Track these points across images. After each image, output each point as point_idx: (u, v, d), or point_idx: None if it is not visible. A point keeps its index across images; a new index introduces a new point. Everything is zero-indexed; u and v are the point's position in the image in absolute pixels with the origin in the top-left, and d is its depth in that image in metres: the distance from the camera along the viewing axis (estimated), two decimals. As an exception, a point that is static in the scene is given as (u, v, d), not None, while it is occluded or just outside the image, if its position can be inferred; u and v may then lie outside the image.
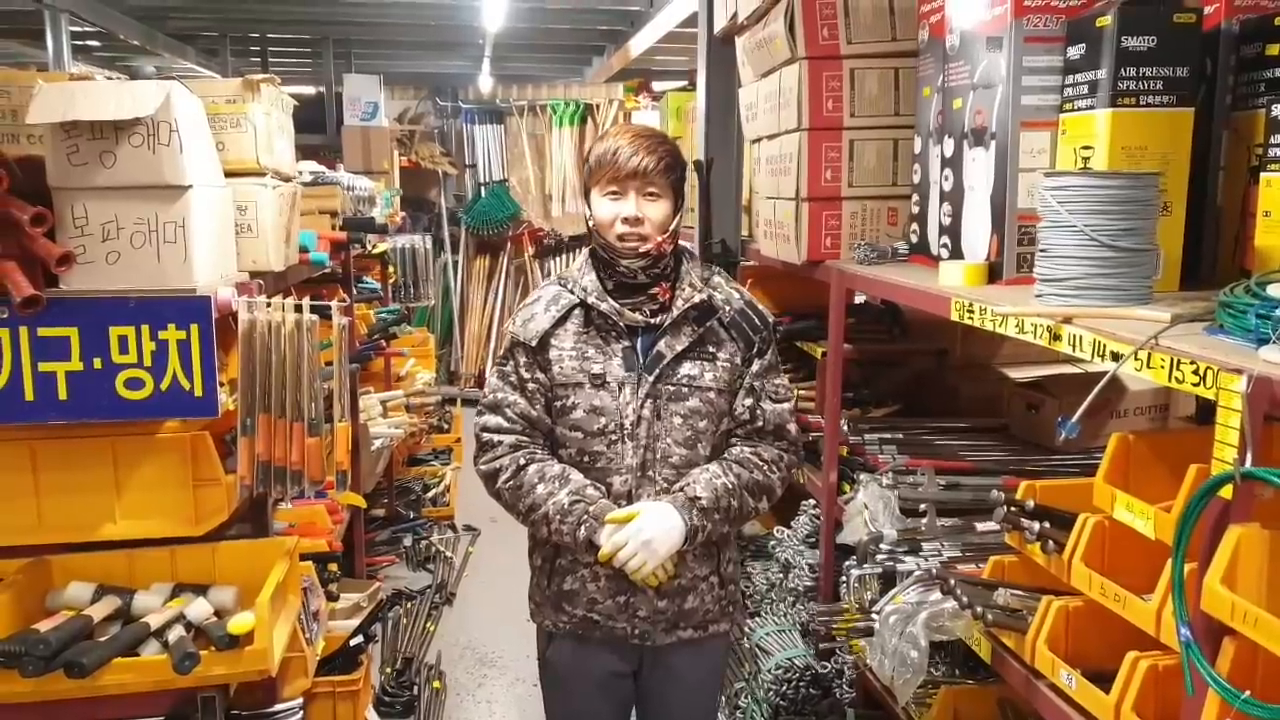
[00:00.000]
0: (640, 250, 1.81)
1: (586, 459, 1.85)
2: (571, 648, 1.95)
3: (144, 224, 1.78)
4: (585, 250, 1.94)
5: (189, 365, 1.83)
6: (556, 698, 2.04)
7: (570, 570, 1.89)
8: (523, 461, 1.85)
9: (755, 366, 1.89)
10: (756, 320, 1.90)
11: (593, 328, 1.85)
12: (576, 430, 1.85)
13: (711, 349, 1.86)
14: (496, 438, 1.87)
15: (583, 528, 1.78)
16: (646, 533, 1.76)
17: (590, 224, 1.87)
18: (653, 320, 1.84)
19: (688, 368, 1.84)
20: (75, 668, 1.70)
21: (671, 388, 1.83)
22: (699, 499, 1.80)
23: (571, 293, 1.87)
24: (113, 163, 1.76)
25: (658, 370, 1.82)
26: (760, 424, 1.89)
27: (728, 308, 1.87)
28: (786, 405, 1.93)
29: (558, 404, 1.86)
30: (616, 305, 1.83)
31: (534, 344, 1.85)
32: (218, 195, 1.99)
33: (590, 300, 1.84)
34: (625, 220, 1.79)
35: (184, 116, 1.80)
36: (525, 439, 1.87)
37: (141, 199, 1.78)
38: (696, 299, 1.84)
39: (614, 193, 1.81)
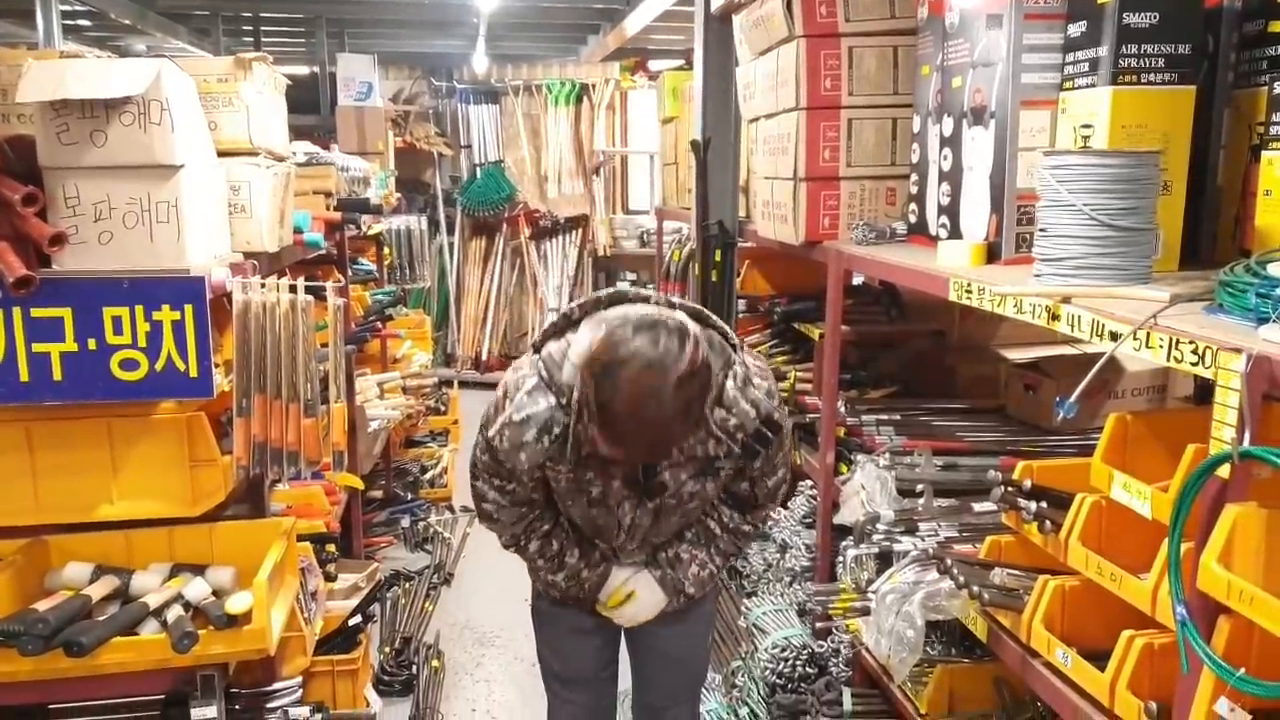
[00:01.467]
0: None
1: (585, 532, 1.90)
2: (559, 602, 2.00)
3: (136, 204, 1.77)
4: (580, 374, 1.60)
5: (184, 346, 1.82)
6: (547, 640, 2.09)
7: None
8: (522, 542, 1.88)
9: (759, 463, 1.76)
10: (769, 434, 1.70)
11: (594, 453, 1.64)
12: (572, 524, 1.89)
13: (718, 465, 1.74)
14: (496, 512, 1.82)
15: (589, 587, 1.91)
16: (638, 610, 1.91)
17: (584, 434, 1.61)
18: None
19: (691, 485, 1.76)
20: (75, 646, 1.70)
21: (673, 501, 1.78)
22: (687, 592, 1.91)
23: (568, 414, 1.62)
24: (104, 142, 1.74)
25: (661, 498, 1.76)
26: (752, 500, 1.87)
27: (740, 435, 1.67)
28: (782, 473, 1.83)
29: (556, 499, 1.86)
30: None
31: (524, 475, 1.71)
32: (210, 175, 1.97)
33: (592, 434, 1.58)
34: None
35: (175, 95, 1.78)
36: (524, 508, 1.83)
37: (133, 178, 1.76)
38: (711, 450, 1.68)
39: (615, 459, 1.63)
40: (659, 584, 1.89)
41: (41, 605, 1.79)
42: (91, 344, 1.80)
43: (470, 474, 1.83)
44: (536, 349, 1.72)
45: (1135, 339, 1.22)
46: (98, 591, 1.88)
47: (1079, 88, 1.62)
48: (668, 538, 1.89)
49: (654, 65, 7.41)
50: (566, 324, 1.70)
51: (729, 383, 1.65)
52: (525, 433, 1.64)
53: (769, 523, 1.99)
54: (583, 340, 1.56)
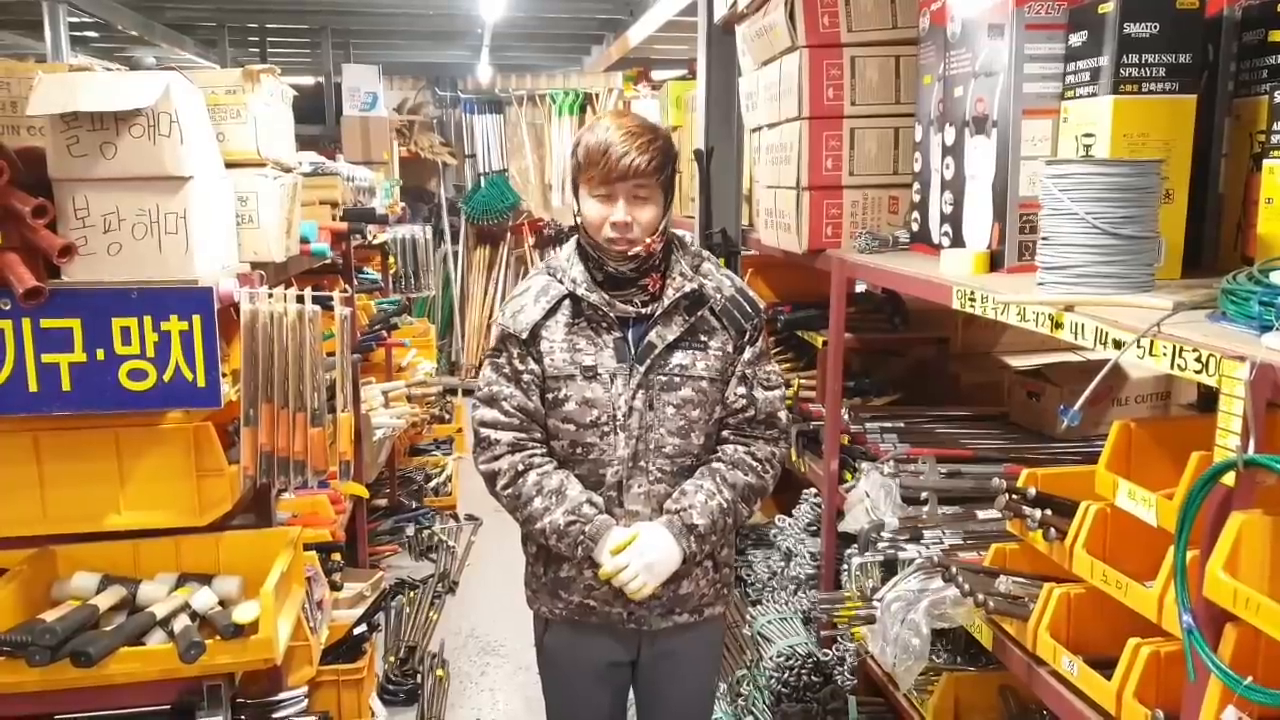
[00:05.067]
0: (629, 254, 1.79)
1: (579, 450, 1.85)
2: (569, 635, 1.94)
3: (145, 215, 1.78)
4: (572, 239, 1.92)
5: (191, 356, 1.83)
6: (554, 685, 2.04)
7: (566, 557, 1.88)
8: (520, 468, 1.83)
9: (747, 354, 1.88)
10: (748, 307, 1.88)
11: (583, 319, 1.83)
12: (569, 423, 1.83)
13: (703, 338, 1.84)
14: (494, 434, 1.84)
15: (580, 549, 1.81)
16: (648, 557, 1.79)
17: (578, 219, 1.85)
18: (643, 310, 1.82)
19: (679, 357, 1.83)
20: (82, 657, 1.71)
21: (664, 378, 1.82)
22: (696, 526, 1.81)
23: (560, 283, 1.84)
24: (113, 154, 1.75)
25: (649, 360, 1.80)
26: (753, 412, 1.88)
27: (718, 295, 1.85)
28: (778, 392, 1.92)
29: (549, 396, 1.84)
30: (606, 297, 1.81)
31: (525, 336, 1.82)
32: (218, 186, 1.99)
33: (580, 292, 1.81)
34: (614, 225, 1.77)
35: (184, 107, 1.80)
36: (523, 435, 1.85)
37: (142, 190, 1.77)
38: (687, 288, 1.82)
39: (603, 195, 1.77)
40: (665, 527, 1.81)
41: (48, 615, 1.80)
42: (100, 354, 1.81)
43: (472, 407, 1.91)
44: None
45: (1139, 347, 1.22)
46: (105, 601, 1.88)
47: (1080, 97, 1.63)
48: (665, 443, 1.83)
49: (657, 75, 7.42)
50: None
51: (706, 263, 1.90)
52: (523, 298, 1.86)
53: (773, 467, 1.91)
54: (569, 244, 1.92)
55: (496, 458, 1.84)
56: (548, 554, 1.90)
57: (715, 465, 1.87)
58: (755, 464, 1.88)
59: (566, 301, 1.84)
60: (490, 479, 1.86)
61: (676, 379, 1.82)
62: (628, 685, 2.03)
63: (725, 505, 1.84)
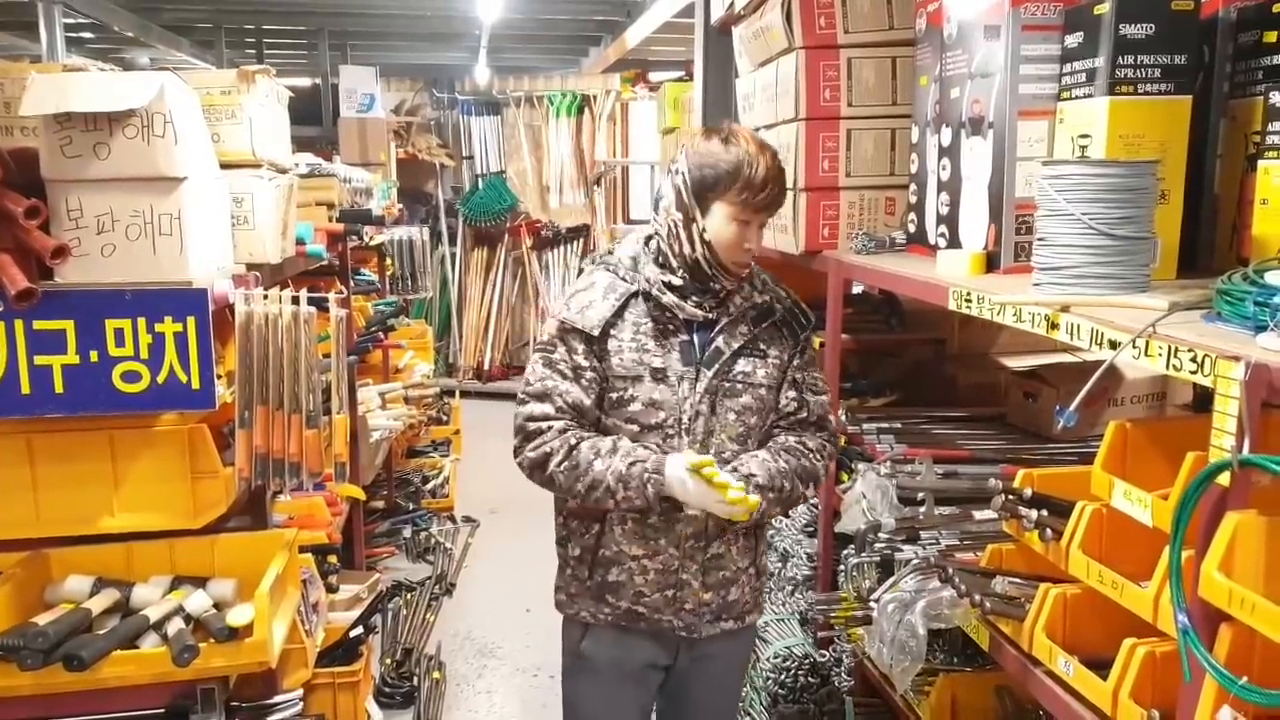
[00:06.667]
0: (743, 275, 1.81)
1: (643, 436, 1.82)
2: (612, 639, 1.89)
3: (139, 216, 1.78)
4: (638, 237, 1.89)
5: (186, 358, 1.83)
6: (590, 691, 1.96)
7: (616, 561, 1.84)
8: (574, 441, 1.77)
9: (798, 361, 1.89)
10: (803, 319, 1.90)
11: (650, 319, 1.80)
12: (632, 423, 1.80)
13: (764, 346, 1.85)
14: (544, 425, 1.79)
15: (649, 486, 1.74)
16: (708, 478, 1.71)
17: (696, 230, 1.77)
18: (710, 315, 1.82)
19: (742, 364, 1.82)
20: (75, 660, 1.70)
21: (727, 384, 1.81)
22: (754, 475, 1.77)
23: (626, 281, 1.81)
24: (107, 154, 1.75)
25: (716, 366, 1.80)
26: (805, 415, 1.89)
27: (779, 307, 1.88)
28: (826, 397, 1.93)
29: (613, 395, 1.80)
30: (678, 300, 1.79)
31: (596, 333, 1.78)
32: (213, 187, 1.98)
33: (654, 292, 1.79)
34: (747, 250, 1.77)
35: (178, 108, 1.79)
36: (572, 425, 1.80)
37: (136, 191, 1.77)
38: (757, 299, 1.85)
39: (744, 221, 1.75)
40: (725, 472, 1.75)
41: (41, 619, 1.79)
42: (94, 356, 1.81)
43: (518, 403, 1.83)
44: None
45: (1134, 347, 1.22)
46: (98, 605, 1.87)
47: (1076, 98, 1.63)
48: (725, 448, 1.81)
49: (654, 76, 7.44)
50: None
51: (764, 274, 1.93)
52: (589, 293, 1.82)
53: (824, 456, 1.89)
54: (627, 238, 1.92)
55: (546, 441, 1.78)
56: (594, 557, 1.85)
57: (769, 445, 1.87)
58: (807, 450, 1.87)
59: (634, 300, 1.81)
60: (541, 464, 1.78)
61: (739, 385, 1.82)
62: (657, 687, 1.99)
63: (783, 470, 1.80)
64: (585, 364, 1.80)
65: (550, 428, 1.78)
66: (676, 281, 1.80)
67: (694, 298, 1.81)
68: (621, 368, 1.79)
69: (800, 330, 1.89)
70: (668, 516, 1.80)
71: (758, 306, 1.85)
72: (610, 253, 1.91)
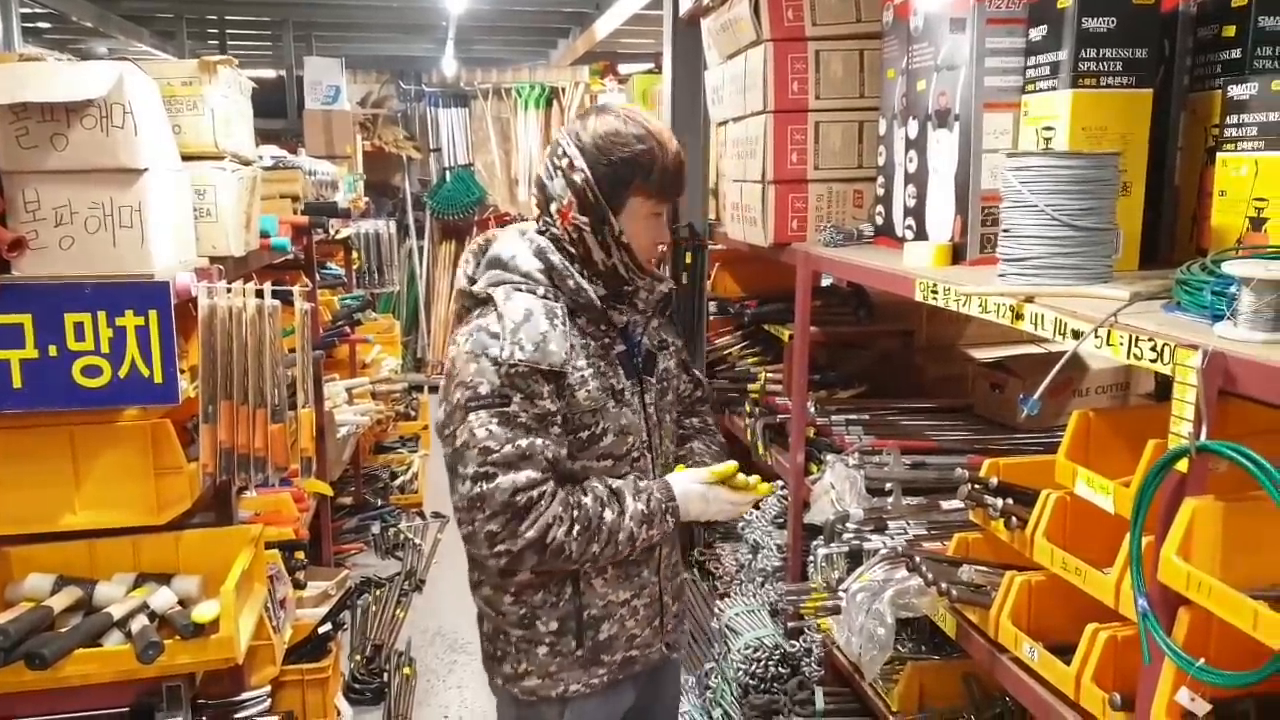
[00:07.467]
0: (654, 269, 1.66)
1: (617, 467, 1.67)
2: (598, 703, 1.72)
3: (99, 208, 1.74)
4: (527, 246, 1.61)
5: (148, 352, 1.80)
6: None
7: (606, 615, 1.67)
8: (571, 500, 1.56)
9: (680, 340, 1.81)
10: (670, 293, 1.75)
11: (588, 337, 1.60)
12: (606, 458, 1.61)
13: (665, 336, 1.76)
14: (535, 493, 1.52)
15: (670, 516, 1.64)
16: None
17: (610, 234, 1.56)
18: (635, 318, 1.68)
19: (663, 361, 1.73)
20: (36, 659, 1.67)
21: (660, 385, 1.71)
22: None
23: (551, 299, 1.56)
24: (64, 145, 1.71)
25: (656, 371, 1.68)
26: (701, 393, 1.88)
27: (670, 290, 1.72)
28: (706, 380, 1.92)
29: (582, 435, 1.58)
30: (609, 308, 1.62)
31: (564, 368, 1.54)
32: (175, 179, 1.95)
33: (587, 303, 1.58)
34: (661, 244, 1.61)
35: (138, 98, 1.76)
36: (550, 475, 1.56)
37: (95, 183, 1.74)
38: (659, 289, 1.67)
39: (658, 215, 1.58)
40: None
41: (1, 617, 1.76)
42: (53, 350, 1.77)
43: (479, 478, 1.52)
44: (463, 316, 1.66)
45: (1096, 337, 1.24)
46: (60, 603, 1.84)
47: (1040, 91, 1.65)
48: (669, 452, 1.77)
49: (623, 69, 7.42)
50: (475, 301, 1.63)
51: None
52: (536, 323, 1.51)
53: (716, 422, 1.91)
54: (514, 244, 1.61)
55: (543, 512, 1.53)
56: (579, 622, 1.65)
57: (691, 433, 1.86)
58: (711, 427, 1.90)
59: (569, 320, 1.58)
60: (541, 541, 1.53)
61: (666, 385, 1.74)
62: None
63: (719, 450, 1.82)
64: (552, 409, 1.54)
65: (543, 494, 1.53)
66: (602, 290, 1.61)
67: (615, 303, 1.65)
68: (589, 400, 1.57)
69: (668, 305, 1.76)
70: (648, 545, 1.67)
71: (664, 296, 1.70)
72: (504, 268, 1.60)
